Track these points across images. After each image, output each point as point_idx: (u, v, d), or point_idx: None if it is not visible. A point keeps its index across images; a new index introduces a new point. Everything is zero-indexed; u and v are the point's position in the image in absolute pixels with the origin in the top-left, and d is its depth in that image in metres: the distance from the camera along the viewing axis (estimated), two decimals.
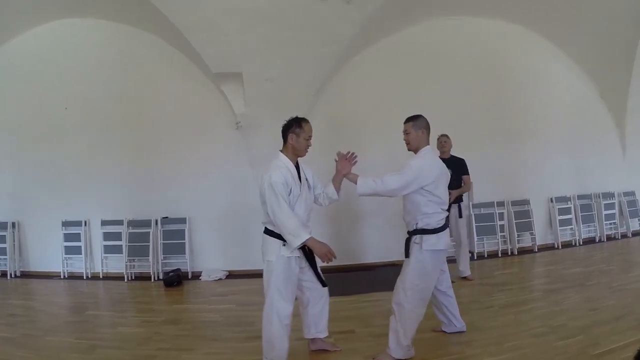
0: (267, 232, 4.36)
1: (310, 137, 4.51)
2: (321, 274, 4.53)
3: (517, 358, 4.44)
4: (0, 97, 8.94)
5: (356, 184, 4.47)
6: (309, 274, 4.50)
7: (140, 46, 8.78)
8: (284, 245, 4.20)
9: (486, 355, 4.54)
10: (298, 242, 4.09)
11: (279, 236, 4.21)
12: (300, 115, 4.53)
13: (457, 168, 7.31)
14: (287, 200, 4.17)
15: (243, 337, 5.39)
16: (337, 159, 4.71)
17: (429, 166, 4.45)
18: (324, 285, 4.51)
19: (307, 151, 4.55)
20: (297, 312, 4.61)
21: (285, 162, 4.40)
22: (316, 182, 4.74)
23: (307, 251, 4.34)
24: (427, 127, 4.67)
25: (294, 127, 4.46)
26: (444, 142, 7.43)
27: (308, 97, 8.38)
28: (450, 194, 6.81)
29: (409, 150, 4.74)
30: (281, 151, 4.52)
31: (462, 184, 7.40)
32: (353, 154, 4.65)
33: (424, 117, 4.69)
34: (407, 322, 4.36)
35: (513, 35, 9.83)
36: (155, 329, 5.78)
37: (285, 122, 4.55)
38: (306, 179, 4.53)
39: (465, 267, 7.66)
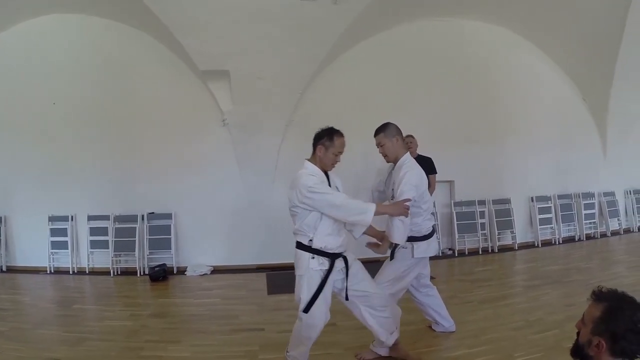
0: (298, 245, 4.11)
1: (340, 152, 4.16)
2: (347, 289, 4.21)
3: (493, 350, 4.59)
4: None
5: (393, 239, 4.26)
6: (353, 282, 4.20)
7: (128, 43, 8.78)
8: (313, 258, 4.01)
9: (463, 347, 4.70)
10: (369, 216, 3.91)
11: (308, 248, 4.03)
12: (336, 128, 4.19)
13: (425, 167, 7.44)
14: (331, 190, 4.02)
15: (228, 330, 5.48)
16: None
17: (420, 177, 4.49)
18: (305, 311, 4.09)
19: (333, 167, 4.24)
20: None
21: (314, 170, 4.14)
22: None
23: (344, 261, 4.15)
24: (400, 133, 4.58)
25: (324, 139, 4.14)
26: (410, 142, 7.51)
27: (295, 96, 8.48)
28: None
29: (388, 162, 4.69)
30: (308, 160, 4.26)
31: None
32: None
33: (392, 123, 4.59)
34: None
35: (496, 37, 9.97)
36: (143, 322, 5.86)
37: (319, 130, 4.25)
38: (336, 188, 4.26)
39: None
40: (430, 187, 7.48)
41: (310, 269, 4.01)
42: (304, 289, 4.01)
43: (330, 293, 4.10)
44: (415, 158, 7.21)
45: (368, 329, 4.39)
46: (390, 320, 4.34)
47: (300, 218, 4.02)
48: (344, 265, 4.12)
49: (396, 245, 4.44)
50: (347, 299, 4.18)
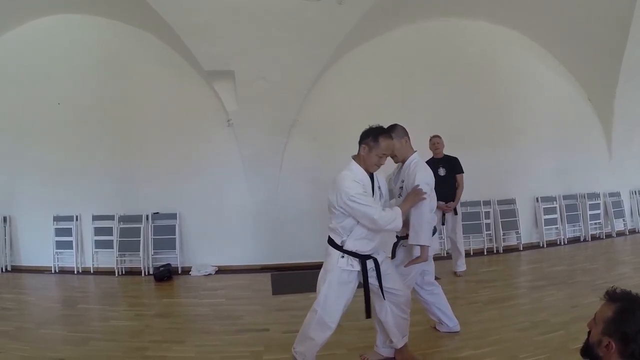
0: (330, 241, 4.14)
1: (384, 155, 4.05)
2: (370, 305, 4.20)
3: (498, 351, 4.57)
4: None
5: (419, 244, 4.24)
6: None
7: (133, 43, 8.80)
8: (342, 257, 4.03)
9: (468, 348, 4.68)
10: (400, 221, 3.92)
11: (339, 248, 4.04)
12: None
13: (451, 167, 7.45)
14: (370, 200, 3.94)
15: (232, 330, 5.48)
16: None
17: (431, 175, 4.47)
18: (367, 316, 4.19)
19: (377, 168, 4.12)
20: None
21: (358, 172, 4.04)
22: (386, 194, 4.44)
23: (376, 266, 4.12)
24: (407, 134, 4.61)
25: (369, 138, 4.03)
26: (437, 142, 7.53)
27: (299, 96, 8.47)
28: (448, 206, 6.99)
29: (396, 162, 4.70)
30: (353, 157, 4.17)
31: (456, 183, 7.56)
32: None
33: (400, 125, 4.61)
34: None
35: (501, 37, 9.95)
36: (147, 322, 5.86)
37: (367, 128, 4.15)
38: (379, 188, 4.22)
39: (461, 262, 7.85)
40: (459, 186, 7.47)
41: (337, 267, 4.03)
42: (326, 284, 4.04)
43: (351, 297, 4.11)
44: (441, 158, 7.22)
45: (375, 328, 4.47)
46: (406, 322, 4.37)
47: (337, 219, 4.01)
48: (373, 266, 4.11)
49: (395, 243, 4.57)
50: (384, 298, 4.19)
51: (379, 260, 4.15)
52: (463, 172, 7.70)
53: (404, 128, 4.60)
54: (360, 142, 4.10)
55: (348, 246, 4.01)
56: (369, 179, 4.07)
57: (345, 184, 3.90)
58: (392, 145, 4.14)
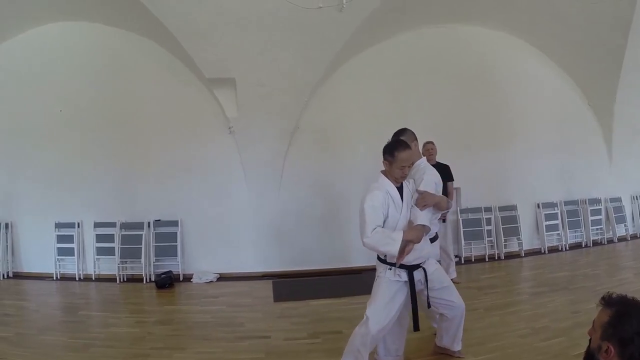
0: (377, 256, 4.23)
1: (404, 166, 4.04)
2: (417, 317, 4.24)
3: (500, 358, 4.58)
4: None
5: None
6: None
7: (134, 50, 8.83)
8: (390, 269, 4.08)
9: (470, 355, 4.68)
10: (396, 247, 3.84)
11: (384, 261, 4.13)
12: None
13: (443, 174, 7.44)
14: (375, 224, 3.93)
15: (233, 337, 5.48)
16: None
17: (438, 178, 4.54)
18: (415, 329, 4.24)
19: (404, 179, 4.15)
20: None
21: (385, 184, 4.11)
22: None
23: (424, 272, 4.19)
24: (416, 138, 4.68)
25: (387, 154, 4.10)
26: (430, 149, 7.50)
27: (300, 103, 8.48)
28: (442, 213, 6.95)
29: (430, 164, 4.76)
30: (382, 172, 4.22)
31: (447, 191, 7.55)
32: None
33: (409, 129, 4.68)
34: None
35: (501, 42, 9.96)
36: (148, 329, 5.87)
37: (388, 142, 4.20)
38: (411, 198, 4.20)
39: (452, 270, 7.80)
40: (449, 195, 7.46)
41: (385, 278, 4.09)
42: (379, 292, 4.10)
43: (399, 307, 4.13)
44: (433, 165, 7.20)
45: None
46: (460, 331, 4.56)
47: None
48: (423, 276, 4.16)
49: None
50: (429, 306, 4.26)
51: (429, 270, 4.19)
52: (453, 180, 7.71)
53: (413, 132, 4.66)
54: (384, 157, 4.14)
55: (389, 259, 4.07)
56: (396, 190, 4.10)
57: (370, 194, 4.01)
58: (411, 154, 4.14)
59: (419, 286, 4.17)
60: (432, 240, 4.63)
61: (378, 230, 3.91)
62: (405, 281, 4.10)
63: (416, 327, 4.20)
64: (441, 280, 4.30)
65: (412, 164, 4.23)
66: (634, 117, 10.17)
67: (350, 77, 9.14)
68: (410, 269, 4.07)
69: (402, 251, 3.87)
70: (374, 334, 3.99)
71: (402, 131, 4.61)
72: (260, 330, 5.71)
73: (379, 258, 4.18)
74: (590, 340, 2.31)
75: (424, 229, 4.02)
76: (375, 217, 3.94)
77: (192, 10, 6.92)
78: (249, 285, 8.12)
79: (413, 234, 3.94)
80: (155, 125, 8.84)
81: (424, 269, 4.15)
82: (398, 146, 4.06)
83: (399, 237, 3.87)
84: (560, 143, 10.28)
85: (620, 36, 8.62)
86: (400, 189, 4.13)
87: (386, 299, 4.05)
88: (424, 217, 4.06)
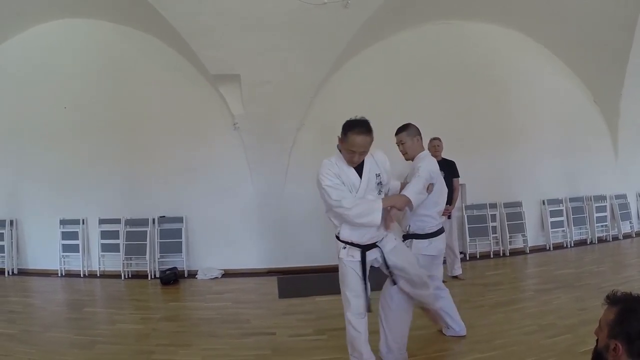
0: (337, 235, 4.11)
1: (354, 151, 3.80)
2: (368, 297, 4.12)
3: (505, 355, 4.56)
4: None
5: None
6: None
7: (139, 47, 8.83)
8: (344, 248, 3.99)
9: (475, 352, 4.67)
10: (378, 216, 3.76)
11: (339, 239, 4.04)
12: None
13: (449, 170, 7.43)
14: (344, 193, 3.81)
15: (239, 334, 5.48)
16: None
17: (436, 167, 4.55)
18: (368, 310, 4.12)
19: (352, 164, 3.92)
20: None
21: (337, 160, 3.95)
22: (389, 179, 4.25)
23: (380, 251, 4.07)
24: (420, 133, 4.69)
25: (342, 131, 3.87)
26: (437, 145, 7.50)
27: (305, 100, 8.48)
28: (447, 209, 6.92)
29: (407, 160, 4.75)
30: (338, 148, 3.99)
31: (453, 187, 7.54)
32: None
33: (413, 124, 4.70)
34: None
35: (506, 39, 9.93)
36: (153, 325, 5.87)
37: (349, 119, 3.92)
38: (377, 175, 4.02)
39: (457, 266, 7.80)
40: (454, 191, 7.45)
41: (340, 259, 4.02)
42: (341, 277, 4.07)
43: (362, 286, 4.04)
44: (439, 161, 7.19)
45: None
46: (430, 295, 4.41)
47: (326, 208, 3.98)
48: (379, 255, 4.07)
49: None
50: (395, 283, 4.21)
51: (386, 249, 4.08)
52: (459, 177, 7.70)
53: (417, 127, 4.69)
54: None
55: (343, 236, 3.99)
56: (350, 169, 3.94)
57: (322, 171, 3.88)
58: (368, 143, 3.84)
59: (375, 264, 4.12)
60: (438, 233, 4.65)
61: (358, 202, 3.81)
62: (359, 261, 4.00)
63: (368, 309, 4.11)
64: (402, 259, 4.16)
65: (365, 153, 3.92)
66: (639, 114, 10.13)
67: (356, 73, 9.13)
68: (364, 249, 3.98)
69: (387, 219, 3.92)
70: (358, 319, 4.03)
71: (406, 126, 4.67)
72: (266, 327, 5.71)
73: (336, 236, 4.09)
74: (597, 340, 2.31)
75: (407, 199, 4.00)
76: (341, 193, 3.82)
77: (197, 7, 6.90)
78: (253, 281, 8.13)
79: (393, 200, 3.97)
80: (160, 122, 8.84)
81: (380, 248, 4.05)
82: (355, 126, 3.78)
83: (379, 205, 3.81)
84: (565, 140, 10.27)
85: (626, 33, 8.58)
86: (359, 168, 3.97)
87: (347, 282, 4.02)
88: (410, 190, 4.08)
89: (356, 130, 3.76)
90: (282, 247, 8.78)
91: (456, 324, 5.11)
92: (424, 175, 4.28)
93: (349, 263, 3.99)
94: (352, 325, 4.03)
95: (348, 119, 3.93)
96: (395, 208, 4.00)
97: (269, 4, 6.97)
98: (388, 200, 3.99)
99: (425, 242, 4.58)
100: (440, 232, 4.70)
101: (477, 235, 9.36)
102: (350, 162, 3.91)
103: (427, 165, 4.41)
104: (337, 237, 4.07)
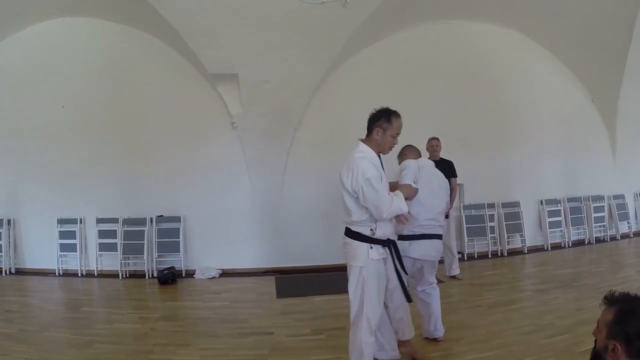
0: (351, 234, 4.01)
1: (398, 134, 4.03)
2: (407, 286, 4.18)
3: (503, 355, 4.56)
4: None
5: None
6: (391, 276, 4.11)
7: (137, 46, 8.82)
8: (372, 248, 3.88)
9: (473, 352, 4.67)
10: (405, 206, 3.89)
11: (366, 239, 3.90)
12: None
13: (446, 170, 7.42)
14: (385, 191, 3.83)
15: (237, 334, 5.47)
16: None
17: (416, 167, 4.64)
18: (408, 300, 4.17)
19: (390, 150, 4.09)
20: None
21: (369, 153, 3.95)
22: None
23: (392, 250, 4.06)
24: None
25: (381, 120, 3.99)
26: (435, 145, 7.51)
27: (303, 99, 8.48)
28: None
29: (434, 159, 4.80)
30: (362, 141, 4.08)
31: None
32: None
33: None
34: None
35: (505, 39, 9.94)
36: (151, 325, 5.87)
37: (374, 111, 4.15)
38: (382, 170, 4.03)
39: (455, 266, 7.80)
40: (452, 191, 7.44)
41: (369, 260, 3.88)
42: (366, 283, 3.86)
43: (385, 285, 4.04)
44: (437, 161, 7.17)
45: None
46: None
47: (360, 210, 3.88)
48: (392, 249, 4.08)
49: None
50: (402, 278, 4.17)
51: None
52: (457, 177, 7.70)
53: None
54: (371, 126, 4.06)
55: (379, 233, 3.92)
56: (379, 161, 3.99)
57: (363, 164, 3.80)
58: (402, 124, 4.07)
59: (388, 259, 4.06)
60: (418, 237, 4.65)
61: (390, 197, 3.81)
62: (385, 257, 3.98)
63: (409, 298, 4.14)
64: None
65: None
66: (638, 115, 10.16)
67: (354, 73, 9.13)
68: (384, 244, 3.97)
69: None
70: (375, 328, 3.96)
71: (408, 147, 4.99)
72: (264, 327, 5.70)
73: (358, 237, 3.95)
74: (595, 340, 2.30)
75: (414, 188, 4.18)
76: (382, 185, 3.82)
77: (196, 7, 6.88)
78: (251, 281, 8.12)
79: (407, 190, 4.11)
80: (158, 122, 8.84)
81: (393, 241, 4.08)
82: (394, 112, 4.06)
83: (402, 196, 3.92)
84: (564, 140, 10.29)
85: (625, 35, 8.61)
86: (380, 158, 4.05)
87: (375, 285, 3.91)
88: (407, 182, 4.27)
89: (396, 114, 4.06)
90: (280, 246, 8.77)
91: (432, 326, 5.01)
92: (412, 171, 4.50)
93: (378, 262, 3.92)
94: (367, 345, 3.92)
95: (372, 111, 4.22)
96: (408, 199, 4.06)
97: (268, 4, 6.95)
98: (403, 191, 4.05)
99: (405, 242, 4.56)
100: (427, 236, 4.67)
101: (475, 235, 9.37)
102: (389, 149, 4.07)
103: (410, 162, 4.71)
104: (364, 238, 3.94)
